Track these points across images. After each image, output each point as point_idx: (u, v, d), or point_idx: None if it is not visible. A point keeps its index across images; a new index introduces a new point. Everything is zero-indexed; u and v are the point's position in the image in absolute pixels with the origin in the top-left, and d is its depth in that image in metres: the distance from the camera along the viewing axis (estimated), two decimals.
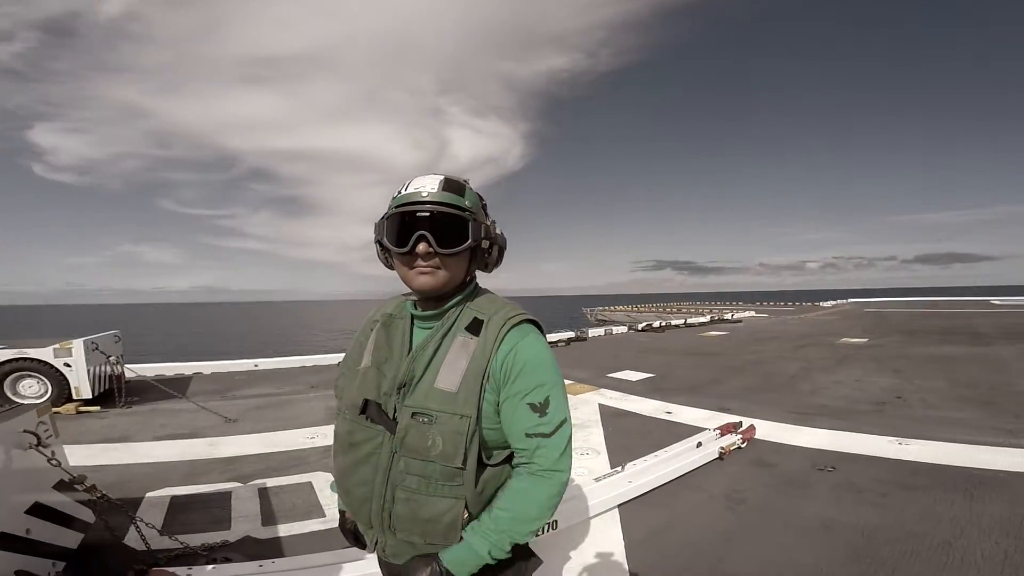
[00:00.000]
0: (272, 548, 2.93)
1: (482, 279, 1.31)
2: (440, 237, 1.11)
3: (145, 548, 2.74)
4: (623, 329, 15.90)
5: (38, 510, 2.46)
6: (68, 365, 6.21)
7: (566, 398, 1.16)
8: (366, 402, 1.17)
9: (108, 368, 6.80)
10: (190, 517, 3.32)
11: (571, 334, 13.63)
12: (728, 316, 21.04)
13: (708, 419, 5.41)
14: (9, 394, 6.09)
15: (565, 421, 1.12)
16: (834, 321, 18.51)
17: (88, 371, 6.29)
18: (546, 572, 2.69)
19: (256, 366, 9.61)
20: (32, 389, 6.22)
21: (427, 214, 1.11)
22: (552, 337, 12.83)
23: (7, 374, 6.08)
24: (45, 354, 6.14)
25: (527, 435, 1.09)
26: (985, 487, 3.54)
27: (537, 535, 1.26)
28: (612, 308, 36.23)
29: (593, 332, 14.54)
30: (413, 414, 1.10)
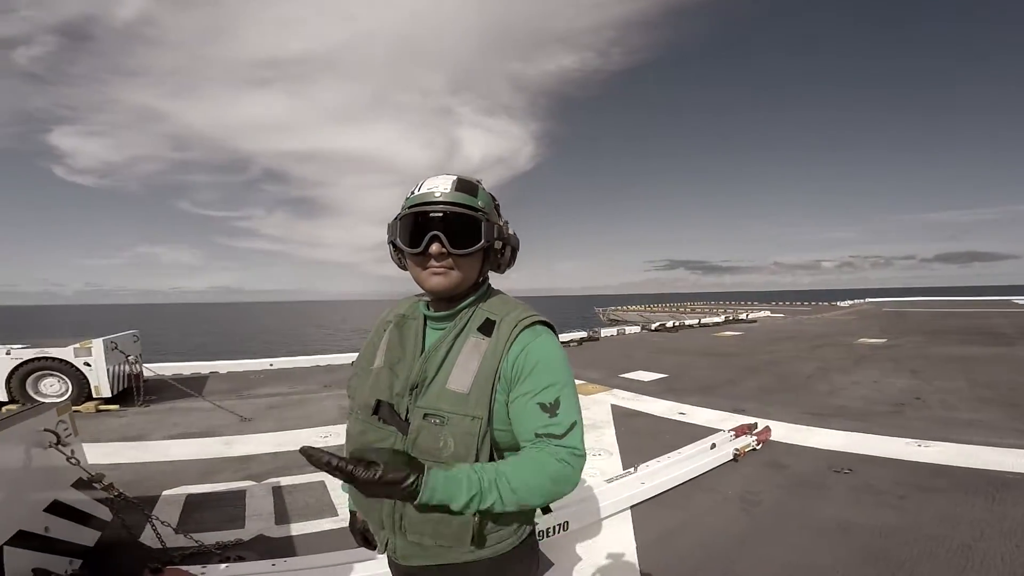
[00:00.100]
0: (285, 547, 2.95)
1: (494, 279, 1.30)
2: (453, 237, 1.10)
3: (160, 546, 2.78)
4: (636, 329, 15.81)
5: (57, 508, 2.50)
6: (88, 364, 6.32)
7: (578, 401, 1.13)
8: (378, 403, 1.17)
9: (127, 367, 6.92)
10: (205, 515, 3.36)
11: (583, 334, 13.58)
12: (743, 316, 20.84)
13: (722, 420, 5.36)
14: (31, 393, 6.22)
15: (576, 424, 1.09)
16: (851, 321, 18.24)
17: (107, 370, 6.40)
18: (557, 573, 2.69)
19: (271, 365, 9.71)
20: (53, 388, 6.34)
21: (440, 214, 1.10)
22: (564, 337, 12.81)
23: (29, 373, 6.20)
24: (66, 353, 6.26)
25: (536, 435, 1.07)
26: (1007, 489, 3.46)
27: (535, 530, 1.24)
28: (625, 308, 36.07)
29: (606, 332, 14.48)
30: (425, 415, 1.10)
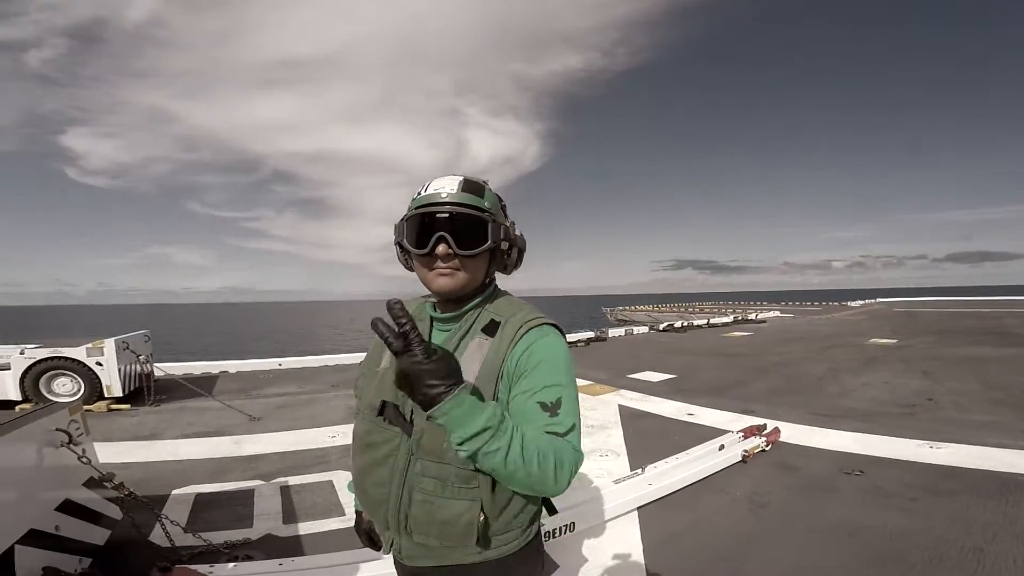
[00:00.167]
0: (292, 546, 2.97)
1: (501, 280, 1.30)
2: (459, 239, 1.10)
3: (170, 545, 2.81)
4: (644, 329, 15.75)
5: (68, 507, 2.52)
6: (100, 364, 6.39)
7: (578, 405, 1.12)
8: (384, 403, 1.17)
9: (138, 367, 6.99)
10: (214, 514, 3.39)
11: (591, 334, 13.54)
12: (752, 316, 20.70)
13: (731, 421, 5.33)
14: (44, 392, 6.30)
15: (576, 427, 1.07)
16: (862, 321, 18.07)
17: (119, 370, 6.47)
18: (563, 574, 2.68)
19: (280, 365, 9.78)
20: (66, 387, 6.42)
21: (446, 215, 1.10)
22: (571, 337, 12.78)
23: (43, 372, 6.28)
24: (78, 353, 6.33)
25: None
26: (1021, 491, 3.41)
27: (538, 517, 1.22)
28: (633, 308, 35.97)
29: (613, 332, 14.44)
30: (429, 416, 1.10)
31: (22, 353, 6.25)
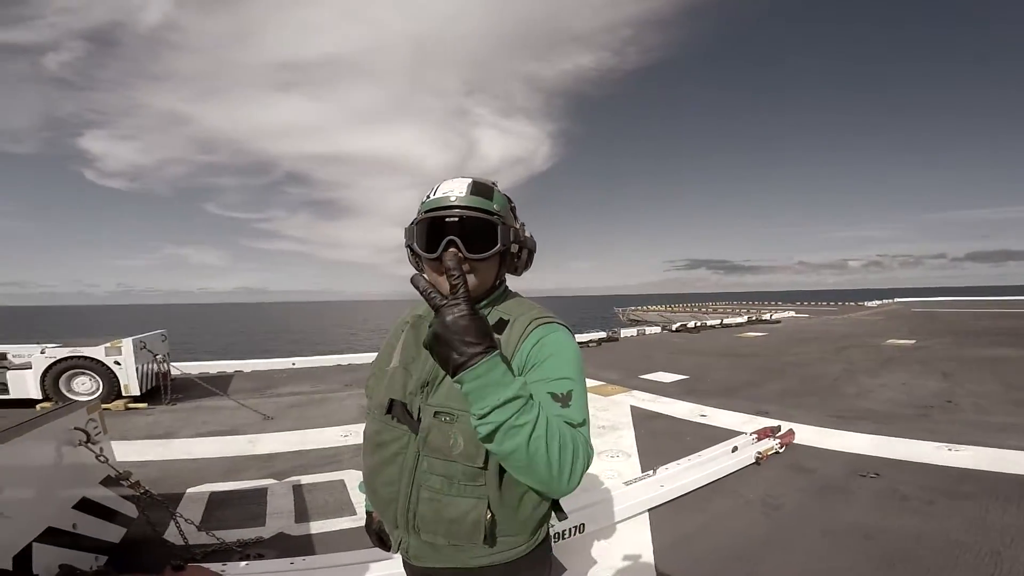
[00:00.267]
0: (304, 545, 2.99)
1: (511, 281, 1.30)
2: (469, 242, 1.10)
3: (183, 543, 2.84)
4: (656, 329, 15.67)
5: (85, 505, 2.57)
6: (118, 363, 6.49)
7: (587, 401, 1.11)
8: (392, 402, 1.18)
9: (155, 366, 7.10)
10: (227, 513, 3.43)
11: (602, 334, 13.49)
12: (767, 316, 20.48)
13: (744, 423, 5.28)
14: (64, 391, 6.41)
15: (587, 422, 1.05)
16: (879, 321, 17.80)
17: (136, 369, 6.57)
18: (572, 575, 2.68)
19: (294, 364, 9.89)
20: (85, 386, 6.53)
21: (456, 219, 1.11)
22: (583, 337, 12.74)
23: (62, 372, 6.40)
24: (97, 352, 6.44)
25: None
26: None
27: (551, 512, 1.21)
28: (645, 308, 35.78)
29: (625, 332, 14.37)
30: (435, 413, 1.10)
31: (43, 352, 6.37)
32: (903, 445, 4.44)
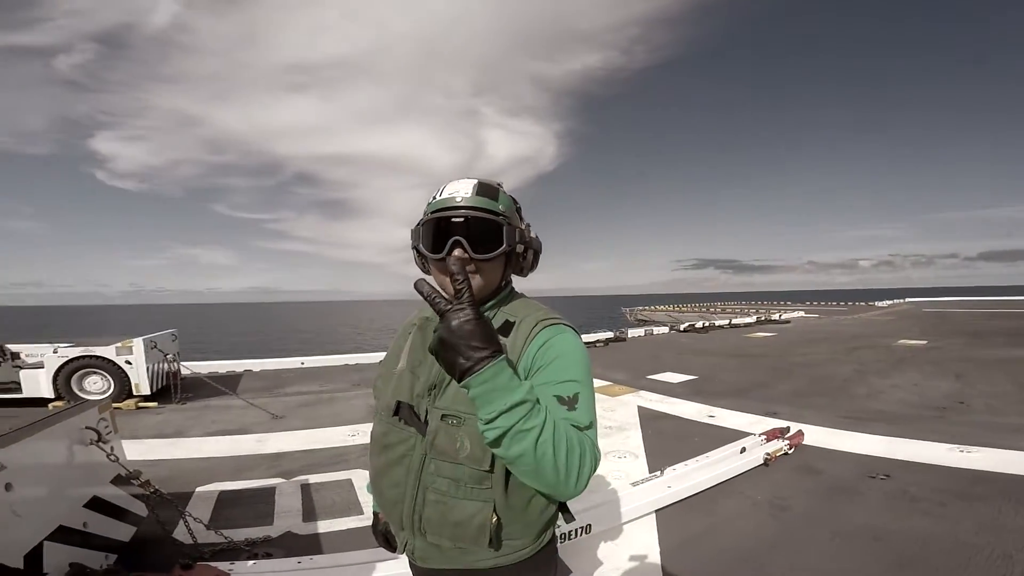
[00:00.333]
0: (311, 544, 3.01)
1: (517, 282, 1.30)
2: (475, 242, 1.10)
3: (192, 542, 2.87)
4: (664, 330, 15.60)
5: (96, 504, 2.59)
6: (129, 363, 6.56)
7: (594, 403, 1.10)
8: (399, 404, 1.18)
9: (165, 365, 7.17)
10: (236, 512, 3.45)
11: (610, 334, 13.44)
12: (776, 316, 20.34)
13: (753, 424, 5.24)
14: (76, 390, 6.49)
15: (593, 424, 1.05)
16: (890, 322, 17.63)
17: (147, 368, 6.64)
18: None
19: (302, 364, 9.95)
20: (97, 385, 6.60)
21: (461, 219, 1.10)
22: (590, 337, 12.70)
23: (75, 371, 6.48)
24: (108, 352, 6.51)
25: None
26: None
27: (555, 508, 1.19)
28: (653, 308, 35.65)
29: (633, 332, 14.32)
30: (442, 416, 1.10)
31: (55, 352, 6.45)
32: (915, 446, 4.39)
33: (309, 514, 3.41)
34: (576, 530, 2.88)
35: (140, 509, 2.96)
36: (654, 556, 2.82)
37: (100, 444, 2.66)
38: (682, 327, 15.86)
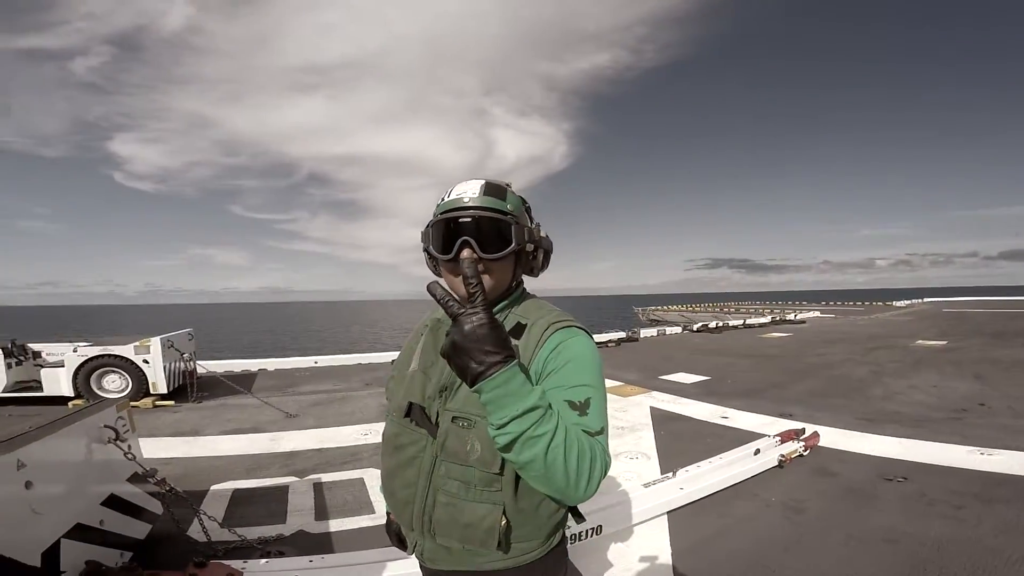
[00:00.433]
0: (323, 543, 3.03)
1: (528, 282, 1.30)
2: (483, 242, 1.10)
3: (206, 540, 2.90)
4: (677, 329, 15.49)
5: (112, 502, 2.63)
6: (147, 362, 6.66)
7: (606, 408, 1.09)
8: (411, 405, 1.18)
9: (182, 364, 7.27)
10: (249, 510, 3.49)
11: (622, 334, 13.35)
12: (791, 316, 20.11)
13: (767, 425, 5.19)
14: (95, 388, 6.60)
15: (604, 430, 1.04)
16: (908, 322, 17.35)
17: (164, 367, 6.73)
18: None
19: (316, 363, 10.04)
20: (115, 384, 6.71)
21: (470, 220, 1.11)
22: (602, 337, 12.65)
23: (94, 370, 6.59)
24: (127, 351, 6.62)
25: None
26: None
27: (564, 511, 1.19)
28: (665, 308, 35.41)
29: (645, 332, 14.23)
30: (453, 418, 1.10)
31: (75, 351, 6.57)
32: (933, 449, 4.32)
33: (321, 513, 3.44)
34: (587, 531, 2.87)
35: (156, 507, 2.99)
36: (665, 558, 2.80)
37: (118, 442, 2.69)
38: (695, 327, 15.74)
